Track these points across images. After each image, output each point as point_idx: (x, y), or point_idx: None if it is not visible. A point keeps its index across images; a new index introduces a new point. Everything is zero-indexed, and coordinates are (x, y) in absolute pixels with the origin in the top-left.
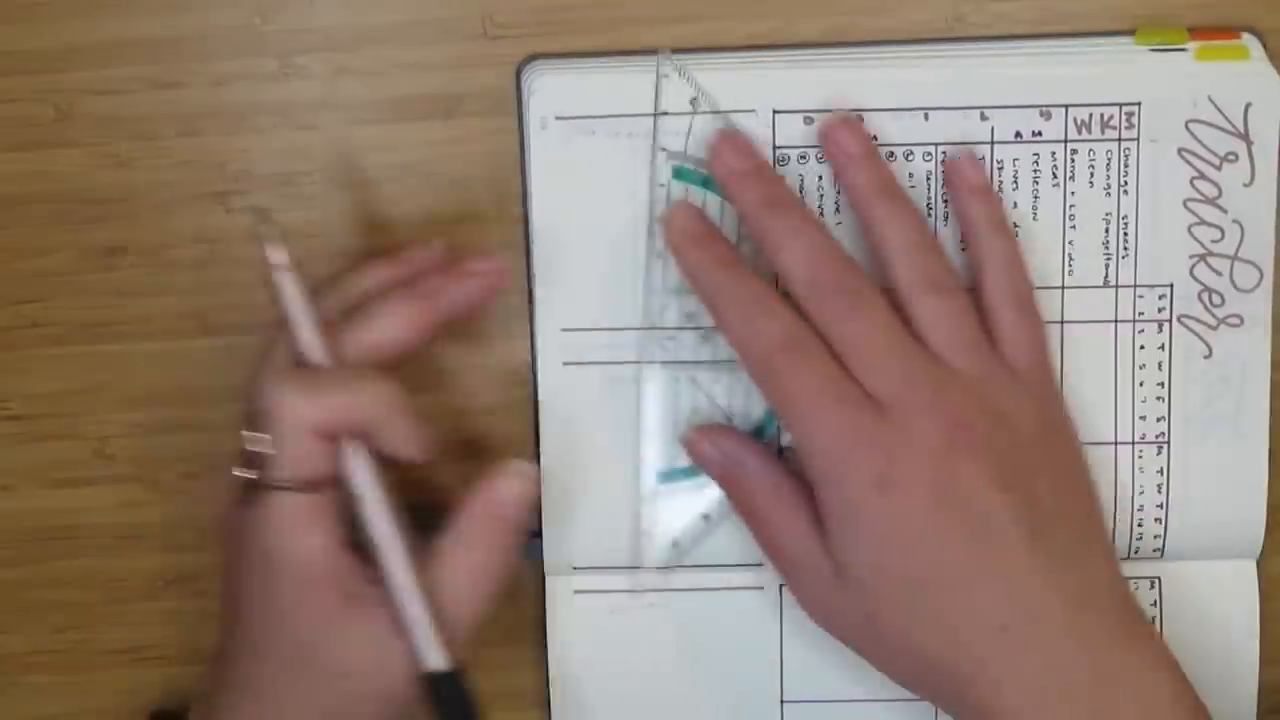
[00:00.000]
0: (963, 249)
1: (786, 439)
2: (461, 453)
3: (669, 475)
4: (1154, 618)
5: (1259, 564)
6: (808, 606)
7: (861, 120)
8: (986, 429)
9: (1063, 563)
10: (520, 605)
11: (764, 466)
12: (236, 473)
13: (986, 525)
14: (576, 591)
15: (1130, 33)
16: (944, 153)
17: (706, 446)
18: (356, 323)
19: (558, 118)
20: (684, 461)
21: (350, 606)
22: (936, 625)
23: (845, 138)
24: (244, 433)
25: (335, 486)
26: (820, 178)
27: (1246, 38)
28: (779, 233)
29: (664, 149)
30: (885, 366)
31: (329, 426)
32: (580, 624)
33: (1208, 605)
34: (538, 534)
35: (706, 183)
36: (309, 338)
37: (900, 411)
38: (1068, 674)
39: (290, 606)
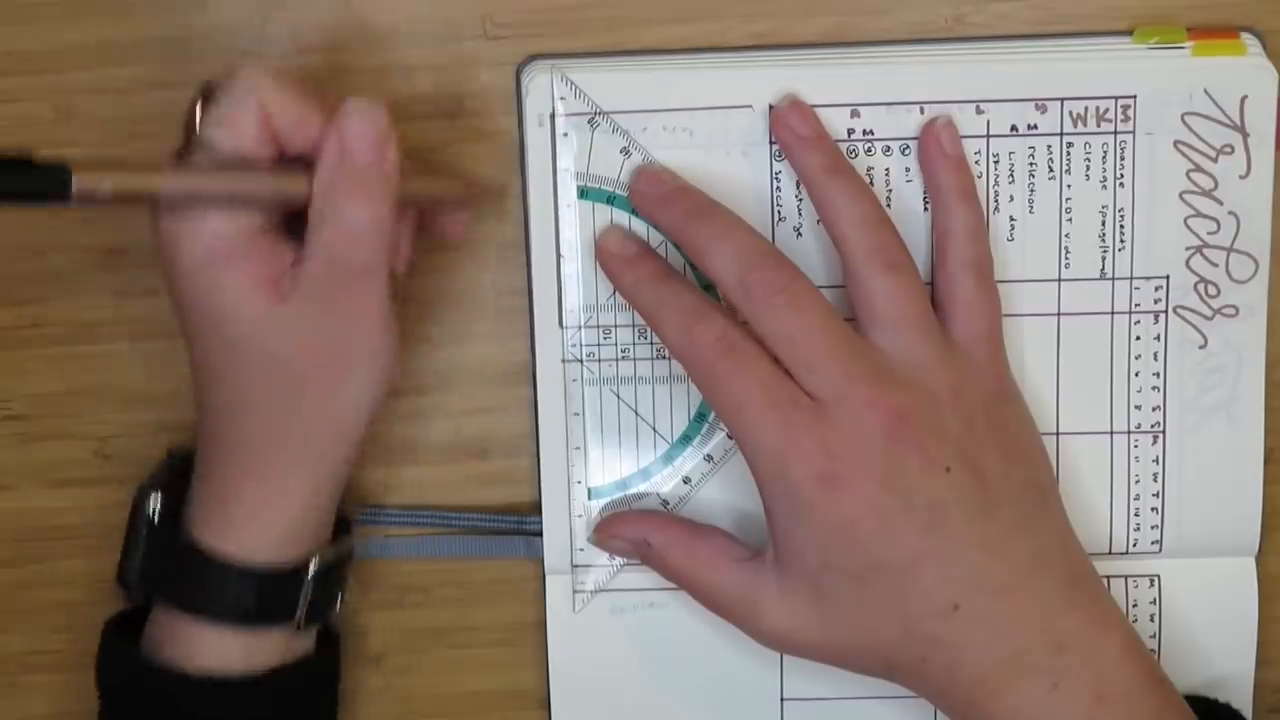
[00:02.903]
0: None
1: (710, 446)
2: (461, 453)
3: (600, 491)
4: (1153, 616)
5: (1258, 563)
6: (762, 637)
7: (812, 110)
8: (928, 415)
9: (1012, 534)
10: (520, 605)
11: (666, 537)
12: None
13: (932, 510)
14: (576, 591)
15: (1129, 33)
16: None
17: (612, 542)
18: None
19: (556, 117)
20: (616, 476)
21: (277, 297)
22: (888, 612)
23: (795, 121)
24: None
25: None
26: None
27: (1245, 37)
28: (704, 240)
29: (567, 169)
30: (823, 365)
31: (274, 103)
32: (580, 624)
33: (1206, 605)
34: (538, 534)
35: (611, 199)
36: None
37: (840, 408)
38: (1022, 643)
39: (203, 291)
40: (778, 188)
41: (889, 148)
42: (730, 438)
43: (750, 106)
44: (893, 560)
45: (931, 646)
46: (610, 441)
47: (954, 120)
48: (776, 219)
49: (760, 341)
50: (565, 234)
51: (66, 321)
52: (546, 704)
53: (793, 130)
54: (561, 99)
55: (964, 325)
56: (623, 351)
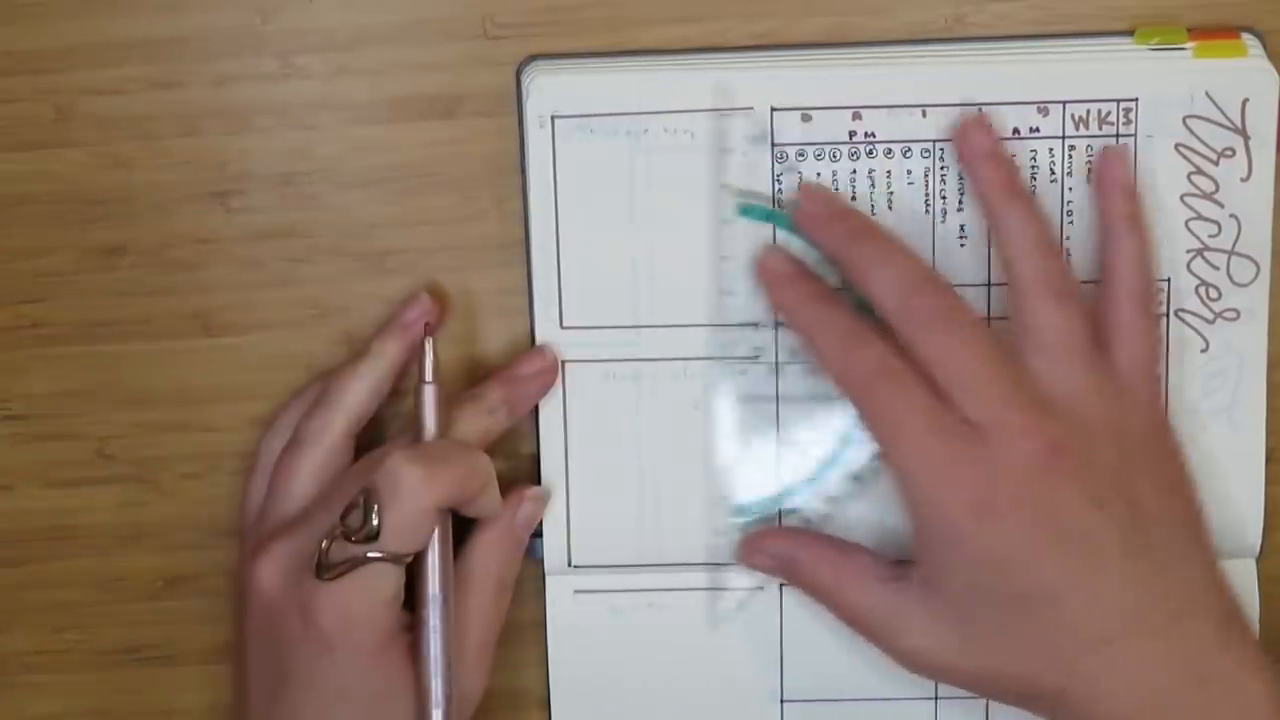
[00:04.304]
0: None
1: (856, 467)
2: None
3: (743, 509)
4: None
5: (1258, 563)
6: (901, 658)
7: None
8: (1084, 446)
9: (1162, 570)
10: (520, 605)
11: (814, 554)
12: (335, 545)
13: (1084, 543)
14: (576, 591)
15: (1130, 33)
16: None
17: (758, 558)
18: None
19: (556, 117)
20: (759, 494)
21: (409, 665)
22: (1035, 644)
23: (976, 136)
24: (358, 507)
25: None
26: (818, 175)
27: (1246, 37)
28: (867, 262)
29: (725, 184)
30: (982, 392)
31: (446, 503)
32: (580, 624)
33: None
34: (538, 534)
35: (770, 216)
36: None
37: (997, 437)
38: (1168, 683)
39: (365, 672)
40: (779, 189)
41: (890, 150)
42: (877, 458)
43: (751, 107)
44: (1042, 591)
45: (1073, 680)
46: (756, 459)
47: (1118, 150)
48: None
49: (917, 367)
50: (727, 249)
51: (66, 321)
52: (546, 704)
53: (974, 145)
54: (561, 99)
55: (1125, 355)
56: (776, 369)
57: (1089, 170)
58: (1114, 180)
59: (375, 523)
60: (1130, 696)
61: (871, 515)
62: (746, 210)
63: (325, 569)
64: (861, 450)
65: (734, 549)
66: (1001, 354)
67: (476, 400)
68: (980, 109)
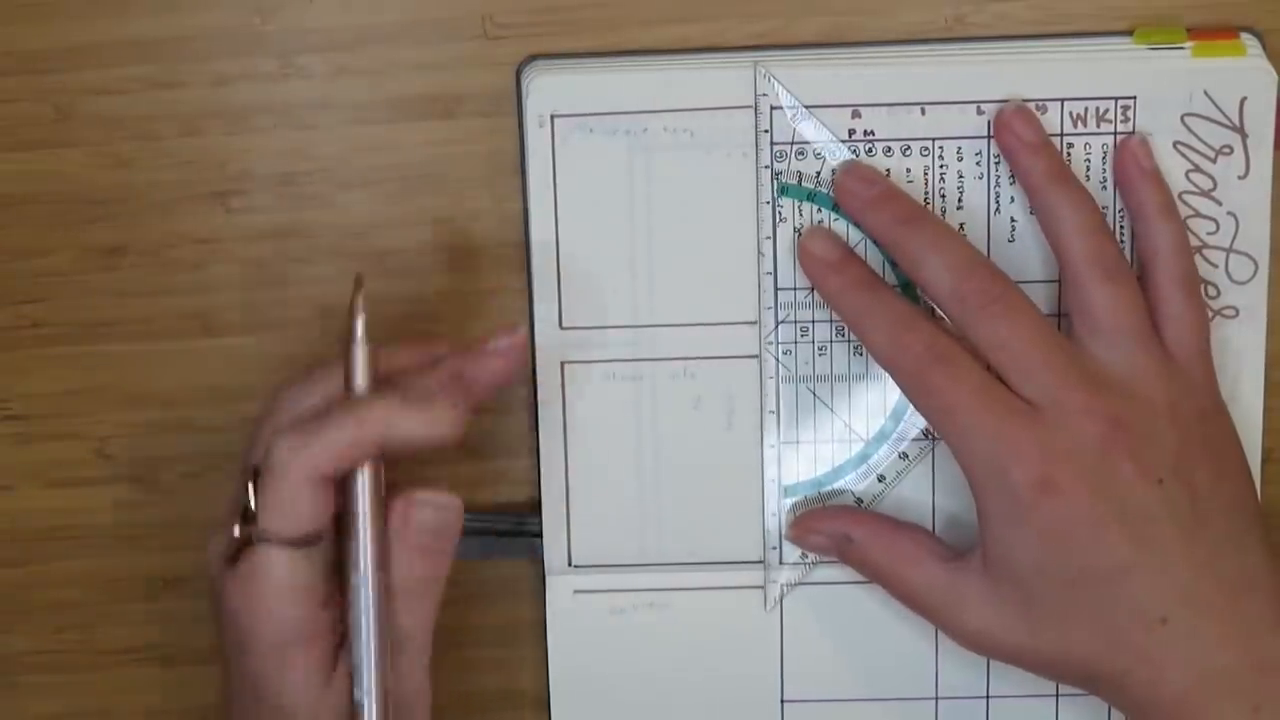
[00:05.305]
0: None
1: (904, 446)
2: (461, 453)
3: (794, 489)
4: None
5: None
6: (964, 639)
7: (1036, 115)
8: (1143, 424)
9: (1221, 551)
10: (520, 605)
11: (869, 532)
12: (234, 529)
13: (1145, 520)
14: (576, 591)
15: (1129, 33)
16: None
17: (812, 537)
18: None
19: (556, 117)
20: (810, 474)
21: (332, 671)
22: (1096, 622)
23: (1020, 126)
24: (245, 488)
25: (328, 538)
26: (817, 173)
27: (1245, 37)
28: (917, 248)
29: (767, 167)
30: (1039, 371)
31: (331, 469)
32: (580, 624)
33: None
34: (538, 534)
35: (812, 196)
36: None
37: (1055, 414)
38: (1228, 663)
39: (271, 671)
40: (779, 189)
41: (889, 148)
42: (926, 435)
43: (750, 107)
44: (1103, 569)
45: (1135, 660)
46: (805, 439)
47: (1142, 138)
48: (778, 219)
49: (970, 351)
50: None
51: (66, 321)
52: (546, 704)
53: (1017, 135)
54: (561, 99)
55: (1175, 339)
56: (820, 349)
57: (1087, 167)
58: (1141, 170)
59: (250, 499)
60: (1194, 678)
61: (923, 495)
62: (787, 189)
63: (228, 554)
64: (910, 426)
65: (786, 529)
66: (1056, 336)
67: (423, 353)
68: (979, 107)
